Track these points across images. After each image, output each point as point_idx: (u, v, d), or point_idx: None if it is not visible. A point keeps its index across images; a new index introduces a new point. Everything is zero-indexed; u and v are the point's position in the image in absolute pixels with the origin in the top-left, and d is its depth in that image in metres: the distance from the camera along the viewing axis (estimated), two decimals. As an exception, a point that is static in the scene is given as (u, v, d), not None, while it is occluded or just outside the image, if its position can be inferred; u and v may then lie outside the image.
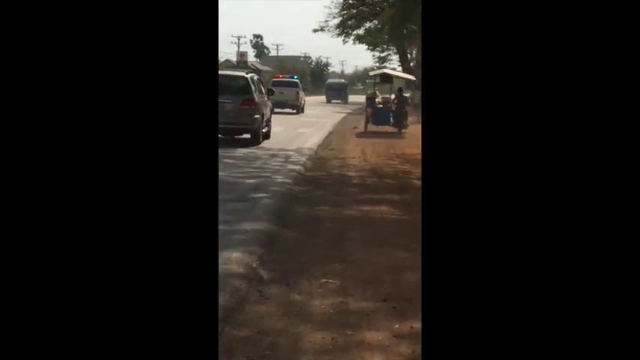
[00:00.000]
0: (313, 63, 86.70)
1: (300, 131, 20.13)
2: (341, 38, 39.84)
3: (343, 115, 30.88)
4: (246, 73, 15.22)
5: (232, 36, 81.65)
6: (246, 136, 14.19)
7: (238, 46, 74.85)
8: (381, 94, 23.64)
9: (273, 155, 13.08)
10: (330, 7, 40.69)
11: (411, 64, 38.56)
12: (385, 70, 27.77)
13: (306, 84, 67.42)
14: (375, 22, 37.44)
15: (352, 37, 40.49)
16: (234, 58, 70.49)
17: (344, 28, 38.91)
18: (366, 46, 44.01)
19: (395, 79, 25.61)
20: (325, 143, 16.65)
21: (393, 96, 22.05)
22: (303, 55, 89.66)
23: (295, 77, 31.84)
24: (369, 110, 21.06)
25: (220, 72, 13.41)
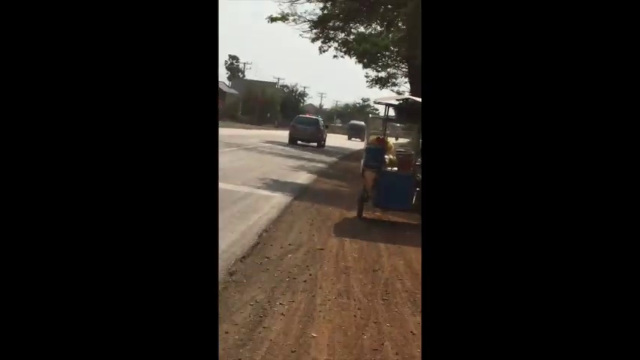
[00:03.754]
0: (287, 90, 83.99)
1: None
2: (316, 44, 25.00)
3: (300, 182, 13.54)
4: (318, 117, 34.63)
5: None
6: (314, 144, 31.54)
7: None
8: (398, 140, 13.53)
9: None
10: None
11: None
12: (412, 97, 10.66)
13: (274, 114, 67.32)
14: (376, 24, 24.72)
15: (336, 44, 25.82)
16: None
17: (323, 29, 24.06)
18: (356, 59, 28.64)
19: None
20: None
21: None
22: (276, 79, 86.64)
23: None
24: (371, 176, 9.55)
25: (305, 116, 34.93)
